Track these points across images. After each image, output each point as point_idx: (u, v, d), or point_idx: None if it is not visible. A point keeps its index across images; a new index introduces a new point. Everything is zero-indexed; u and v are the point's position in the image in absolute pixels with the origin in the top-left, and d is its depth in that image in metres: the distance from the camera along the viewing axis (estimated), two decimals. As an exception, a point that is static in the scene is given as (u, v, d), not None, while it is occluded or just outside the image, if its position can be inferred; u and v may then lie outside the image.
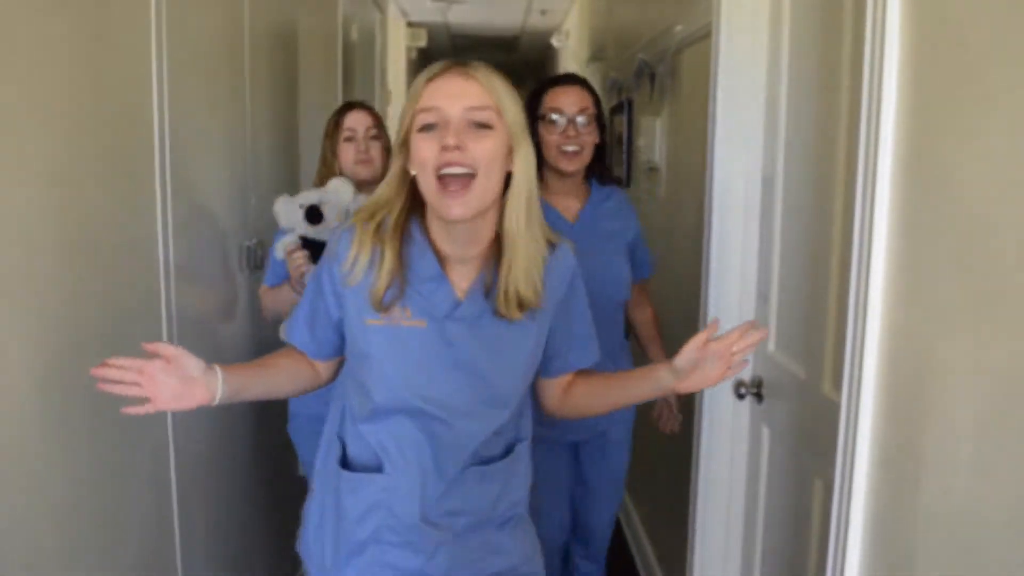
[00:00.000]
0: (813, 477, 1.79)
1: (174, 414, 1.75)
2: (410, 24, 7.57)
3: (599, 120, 2.11)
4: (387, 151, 2.24)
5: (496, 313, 1.34)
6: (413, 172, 1.30)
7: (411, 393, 1.35)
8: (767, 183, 2.11)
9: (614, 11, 4.43)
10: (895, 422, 1.29)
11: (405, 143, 1.30)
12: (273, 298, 2.17)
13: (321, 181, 2.24)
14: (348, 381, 1.45)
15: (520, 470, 1.49)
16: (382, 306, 1.31)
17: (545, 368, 1.49)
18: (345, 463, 1.43)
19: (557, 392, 1.52)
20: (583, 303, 1.49)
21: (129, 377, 1.21)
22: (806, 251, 1.89)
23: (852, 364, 1.36)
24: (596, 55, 4.79)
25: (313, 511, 1.48)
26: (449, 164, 1.23)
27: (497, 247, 1.35)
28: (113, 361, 1.20)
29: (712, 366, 1.35)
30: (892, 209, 1.28)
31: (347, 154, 2.21)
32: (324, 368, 1.49)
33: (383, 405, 1.36)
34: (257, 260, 2.31)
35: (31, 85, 1.26)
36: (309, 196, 2.13)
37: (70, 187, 1.37)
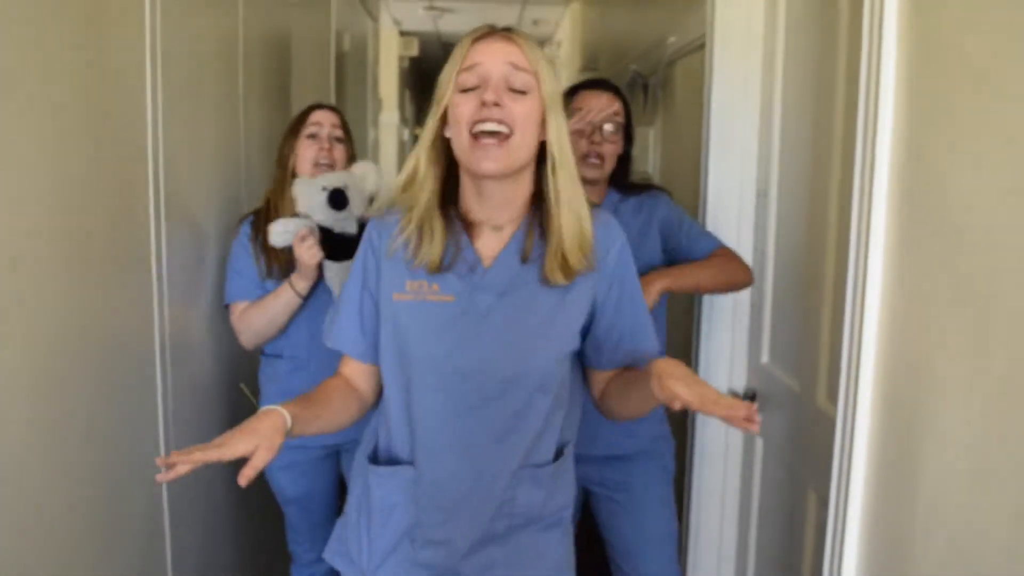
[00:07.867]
0: (807, 489, 1.79)
1: (164, 428, 1.73)
2: (402, 33, 7.60)
3: (627, 129, 2.01)
4: (351, 158, 2.07)
5: (541, 280, 1.32)
6: (448, 135, 1.30)
7: (435, 367, 1.31)
8: (761, 195, 2.12)
9: (606, 22, 4.45)
10: (891, 435, 1.28)
11: (442, 108, 1.30)
12: (262, 311, 1.92)
13: (276, 185, 2.05)
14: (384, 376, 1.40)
15: (566, 472, 1.44)
16: (441, 268, 1.30)
17: (596, 358, 1.40)
18: (375, 458, 1.40)
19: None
20: (635, 288, 1.39)
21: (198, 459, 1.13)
22: (800, 263, 1.89)
23: (848, 376, 1.36)
24: (588, 65, 4.81)
25: (351, 513, 1.43)
26: (485, 120, 1.24)
27: (538, 215, 1.34)
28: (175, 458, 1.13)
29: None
30: (888, 221, 1.29)
31: (308, 151, 2.00)
32: (368, 379, 1.41)
33: (409, 384, 1.32)
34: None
35: (24, 91, 1.25)
36: (333, 178, 1.92)
37: (62, 196, 1.36)
